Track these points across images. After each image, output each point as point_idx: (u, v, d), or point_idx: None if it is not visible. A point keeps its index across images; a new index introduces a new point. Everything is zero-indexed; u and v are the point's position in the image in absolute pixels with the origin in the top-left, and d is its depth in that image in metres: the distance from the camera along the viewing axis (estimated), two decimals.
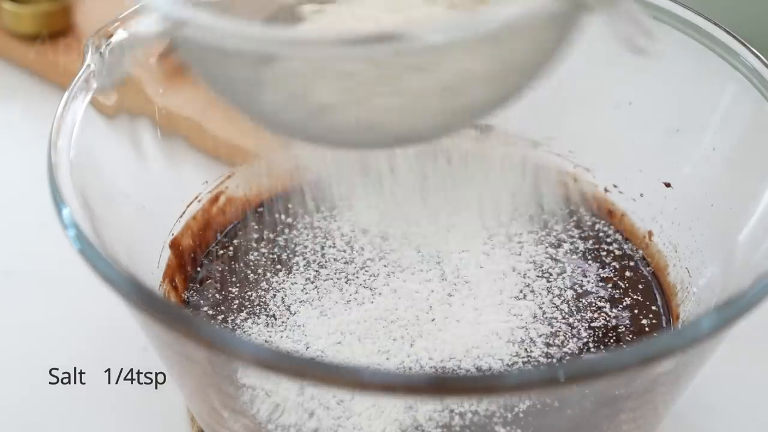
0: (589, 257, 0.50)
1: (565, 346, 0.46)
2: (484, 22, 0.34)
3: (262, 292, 0.48)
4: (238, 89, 0.37)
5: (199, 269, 0.50)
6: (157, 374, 0.46)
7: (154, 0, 0.35)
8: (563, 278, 0.49)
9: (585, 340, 0.46)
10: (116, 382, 0.48)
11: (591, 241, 0.51)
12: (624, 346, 0.46)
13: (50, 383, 0.48)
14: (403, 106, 0.35)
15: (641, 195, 0.52)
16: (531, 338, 0.46)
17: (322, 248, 0.50)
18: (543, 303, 0.47)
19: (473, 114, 0.38)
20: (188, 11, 0.35)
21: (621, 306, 0.48)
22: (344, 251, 0.50)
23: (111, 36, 0.46)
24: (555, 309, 0.47)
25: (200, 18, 0.35)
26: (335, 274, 0.49)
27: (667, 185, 0.50)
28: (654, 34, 0.33)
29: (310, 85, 0.35)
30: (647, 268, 0.50)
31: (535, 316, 0.47)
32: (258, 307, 0.47)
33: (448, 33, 0.34)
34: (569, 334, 0.46)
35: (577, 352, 0.45)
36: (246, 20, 0.38)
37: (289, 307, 0.47)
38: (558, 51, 0.37)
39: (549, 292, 0.48)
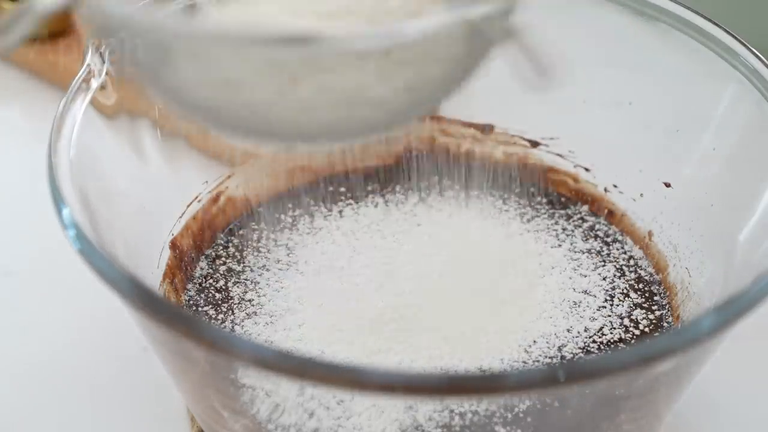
0: (589, 257, 0.50)
1: (565, 347, 0.46)
2: (391, 34, 0.35)
3: (262, 292, 0.48)
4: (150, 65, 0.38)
5: (199, 269, 0.50)
6: (157, 374, 0.46)
7: None
8: (563, 278, 0.49)
9: (585, 340, 0.46)
10: (116, 382, 0.48)
11: (591, 241, 0.51)
12: (624, 346, 0.46)
13: (50, 383, 0.48)
14: (303, 107, 0.36)
15: (641, 195, 0.52)
16: (531, 338, 0.46)
17: (323, 248, 0.50)
18: (543, 303, 0.47)
19: (369, 127, 0.39)
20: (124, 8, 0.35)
21: (621, 306, 0.48)
22: (345, 251, 0.50)
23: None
24: (555, 308, 0.47)
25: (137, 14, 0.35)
26: (335, 273, 0.49)
27: (667, 185, 0.50)
28: (550, 70, 0.34)
29: (215, 69, 0.36)
30: (647, 268, 0.50)
31: (534, 316, 0.47)
32: (258, 307, 0.47)
33: (363, 41, 0.34)
34: (569, 334, 0.46)
35: (577, 352, 0.45)
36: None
37: (290, 306, 0.47)
38: (461, 73, 0.38)
39: (548, 291, 0.48)
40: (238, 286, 0.48)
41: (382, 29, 0.34)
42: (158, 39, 0.35)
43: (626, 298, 0.48)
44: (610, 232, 0.52)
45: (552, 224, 0.52)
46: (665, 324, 0.47)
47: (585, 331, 0.46)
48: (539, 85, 0.34)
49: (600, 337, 0.46)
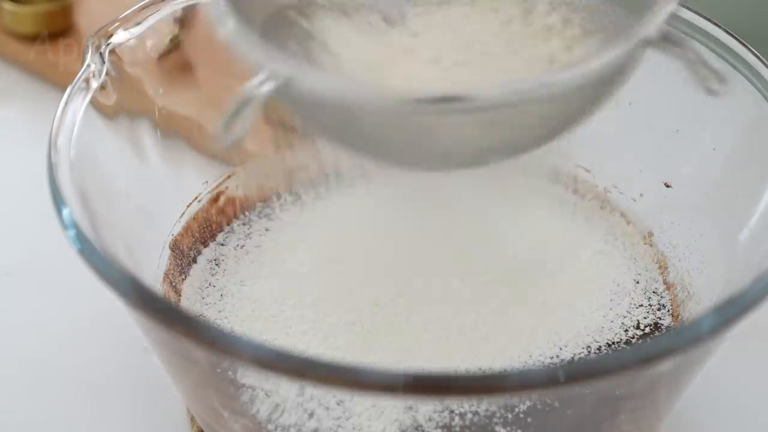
0: (588, 257, 0.50)
1: (565, 347, 0.46)
2: (549, 83, 0.35)
3: (263, 292, 0.48)
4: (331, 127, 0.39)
5: (199, 269, 0.49)
6: (157, 374, 0.46)
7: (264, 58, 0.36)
8: (562, 278, 0.49)
9: (585, 340, 0.46)
10: (116, 382, 0.48)
11: (590, 241, 0.51)
12: (624, 346, 0.46)
13: (50, 383, 0.48)
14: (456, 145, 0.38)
15: (641, 195, 0.52)
16: (530, 338, 0.46)
17: (323, 245, 0.50)
18: (542, 303, 0.47)
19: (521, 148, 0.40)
20: (290, 66, 0.36)
21: (621, 306, 0.48)
22: (345, 250, 0.50)
23: (111, 36, 0.46)
24: (554, 309, 0.47)
25: (303, 72, 0.36)
26: (335, 271, 0.48)
27: (667, 185, 0.50)
28: (724, 76, 0.34)
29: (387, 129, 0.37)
30: (647, 268, 0.50)
31: (533, 316, 0.46)
32: (258, 307, 0.47)
33: (513, 94, 0.35)
34: (569, 334, 0.46)
35: (577, 352, 0.45)
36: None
37: (290, 306, 0.47)
38: (618, 86, 0.39)
39: (546, 293, 0.48)
40: (238, 287, 0.48)
41: (540, 78, 0.35)
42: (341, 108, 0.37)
43: (626, 298, 0.48)
44: (610, 231, 0.52)
45: (552, 224, 0.52)
46: (665, 324, 0.47)
47: (585, 330, 0.46)
48: (719, 88, 0.34)
49: (600, 337, 0.46)
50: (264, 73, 0.36)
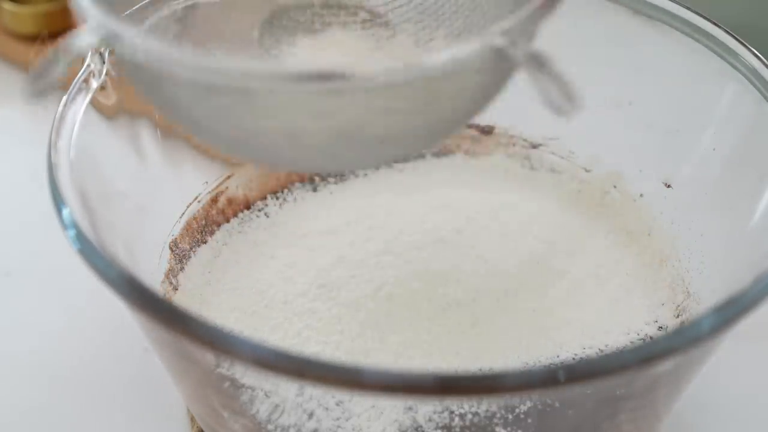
0: (588, 257, 0.50)
1: (565, 347, 0.46)
2: (416, 66, 0.35)
3: (263, 293, 0.48)
4: (179, 106, 0.38)
5: (199, 269, 0.49)
6: (157, 374, 0.46)
7: (85, 9, 0.36)
8: (562, 278, 0.49)
9: (585, 340, 0.46)
10: (116, 382, 0.48)
11: (590, 241, 0.51)
12: (624, 346, 0.46)
13: (50, 383, 0.48)
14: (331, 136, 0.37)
15: (641, 195, 0.52)
16: (529, 338, 0.46)
17: (322, 246, 0.50)
18: (541, 303, 0.47)
19: (397, 149, 0.40)
20: (122, 26, 0.36)
21: (621, 306, 0.48)
22: (344, 248, 0.50)
23: None
24: (553, 309, 0.47)
25: (132, 36, 0.36)
26: (335, 270, 0.48)
27: (667, 185, 0.50)
28: (574, 96, 0.34)
29: (248, 110, 0.37)
30: (647, 268, 0.50)
31: (532, 316, 0.46)
32: (258, 306, 0.47)
33: (385, 74, 0.35)
34: (569, 334, 0.46)
35: (577, 352, 0.45)
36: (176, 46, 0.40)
37: (290, 305, 0.47)
38: (486, 98, 0.39)
39: (547, 292, 0.48)
40: (238, 287, 0.48)
41: (406, 62, 0.35)
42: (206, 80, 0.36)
43: (626, 298, 0.48)
44: (610, 232, 0.52)
45: (551, 225, 0.52)
46: (665, 324, 0.47)
47: (585, 331, 0.46)
48: (567, 110, 0.34)
49: (600, 338, 0.46)
50: (80, 30, 0.36)
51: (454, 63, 0.35)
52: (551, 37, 0.37)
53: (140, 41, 0.36)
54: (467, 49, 0.35)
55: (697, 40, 0.48)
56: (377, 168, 0.54)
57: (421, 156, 0.55)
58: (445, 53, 0.35)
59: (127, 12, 0.44)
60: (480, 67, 0.36)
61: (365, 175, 0.54)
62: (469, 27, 0.43)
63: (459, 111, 0.39)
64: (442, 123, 0.39)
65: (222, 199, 0.52)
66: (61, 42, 0.36)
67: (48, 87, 0.37)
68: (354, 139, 0.37)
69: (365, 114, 0.36)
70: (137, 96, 0.40)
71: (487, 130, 0.55)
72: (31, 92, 0.37)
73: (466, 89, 0.38)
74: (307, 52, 0.42)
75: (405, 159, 0.55)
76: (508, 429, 0.41)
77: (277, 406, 0.41)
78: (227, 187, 0.52)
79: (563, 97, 0.35)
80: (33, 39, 0.64)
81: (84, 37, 0.36)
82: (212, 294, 0.48)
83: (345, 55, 0.42)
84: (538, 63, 0.35)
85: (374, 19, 0.44)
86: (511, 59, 0.36)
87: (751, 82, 0.46)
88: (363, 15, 0.44)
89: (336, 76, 0.35)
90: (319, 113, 0.36)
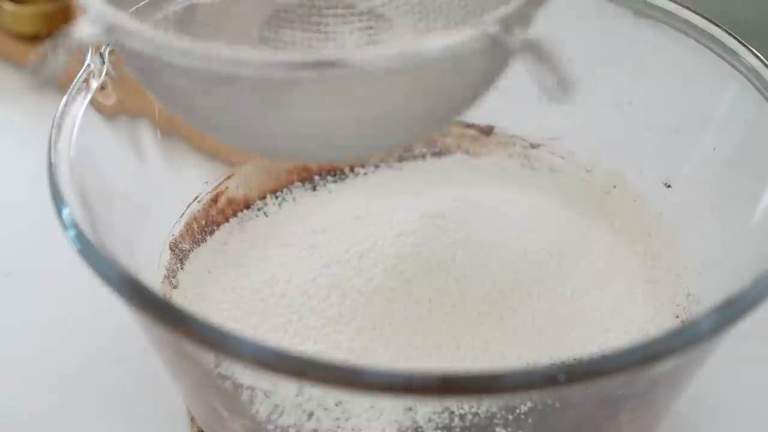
0: (588, 258, 0.50)
1: (564, 347, 0.46)
2: (410, 54, 0.35)
3: (262, 292, 0.48)
4: (177, 96, 0.39)
5: (199, 269, 0.49)
6: (157, 374, 0.46)
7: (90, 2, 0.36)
8: (562, 279, 0.49)
9: (585, 340, 0.46)
10: (116, 382, 0.48)
11: (590, 242, 0.51)
12: (624, 346, 0.46)
13: (50, 383, 0.48)
14: (329, 124, 0.37)
15: (641, 195, 0.52)
16: (531, 339, 0.46)
17: (322, 245, 0.50)
18: (541, 303, 0.47)
19: (395, 137, 0.40)
20: (121, 16, 0.36)
21: (620, 306, 0.48)
22: (344, 248, 0.49)
23: None
24: (553, 308, 0.47)
25: (131, 25, 0.36)
26: (335, 269, 0.48)
27: (667, 185, 0.50)
28: (570, 83, 0.34)
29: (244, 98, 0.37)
30: (647, 268, 0.50)
31: (531, 316, 0.46)
32: (258, 304, 0.47)
33: (383, 61, 0.35)
34: (569, 334, 0.46)
35: (576, 352, 0.45)
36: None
37: (290, 305, 0.47)
38: (481, 86, 0.39)
39: (546, 292, 0.48)
40: (238, 287, 0.48)
41: (401, 49, 0.35)
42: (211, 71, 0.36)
43: (626, 299, 0.48)
44: (610, 232, 0.52)
45: (551, 225, 0.52)
46: (665, 324, 0.47)
47: (585, 332, 0.46)
48: (561, 96, 0.34)
49: (600, 338, 0.46)
50: (85, 20, 0.37)
51: (448, 50, 0.35)
52: (551, 37, 0.37)
53: (146, 31, 0.36)
54: (462, 36, 0.35)
55: (697, 40, 0.48)
56: (377, 166, 0.54)
57: (421, 156, 0.55)
58: (439, 40, 0.35)
59: (127, 12, 0.44)
60: (475, 54, 0.36)
61: (365, 174, 0.54)
62: (467, 18, 0.43)
63: (456, 99, 0.39)
64: (438, 111, 0.39)
65: (222, 199, 0.52)
66: (61, 33, 0.36)
67: (48, 79, 0.37)
68: (353, 126, 0.37)
69: (362, 102, 0.36)
70: (143, 90, 0.40)
71: (487, 130, 0.55)
72: (31, 84, 0.37)
73: (463, 77, 0.38)
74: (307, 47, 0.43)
75: (403, 149, 0.55)
76: (509, 429, 0.41)
77: (276, 406, 0.41)
78: (227, 187, 0.52)
79: (559, 84, 0.35)
80: (33, 39, 0.64)
81: (84, 28, 0.36)
82: (212, 294, 0.48)
83: (343, 47, 0.42)
84: (534, 50, 0.35)
85: (372, 12, 0.44)
86: (506, 46, 0.36)
87: (751, 82, 0.46)
88: (361, 8, 0.44)
89: (334, 63, 0.35)
90: (318, 102, 0.36)
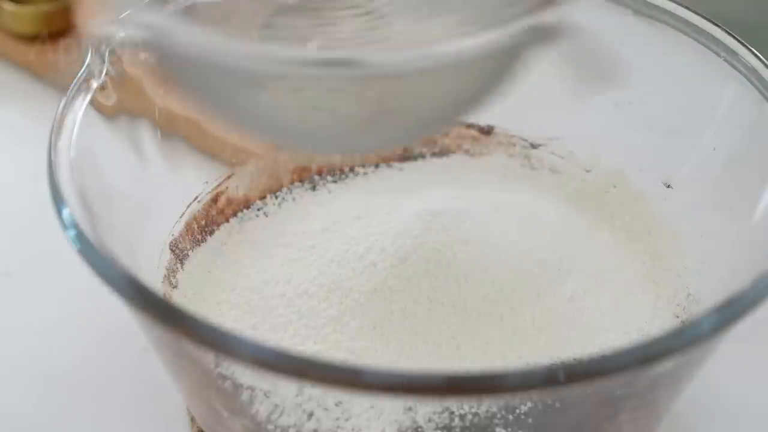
0: (588, 258, 0.50)
1: (564, 347, 0.46)
2: (436, 54, 0.36)
3: (262, 292, 0.48)
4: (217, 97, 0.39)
5: (199, 269, 0.49)
6: (157, 374, 0.46)
7: (135, 11, 0.37)
8: (562, 279, 0.49)
9: (584, 340, 0.46)
10: (116, 383, 0.48)
11: (590, 242, 0.51)
12: (624, 346, 0.46)
13: (49, 383, 0.48)
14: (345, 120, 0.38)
15: (641, 195, 0.52)
16: (530, 338, 0.46)
17: (322, 245, 0.50)
18: (541, 303, 0.47)
19: (395, 139, 0.42)
20: (165, 20, 0.36)
21: (620, 306, 0.48)
22: (344, 248, 0.49)
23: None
24: (553, 308, 0.47)
25: (175, 28, 0.36)
26: (335, 269, 0.48)
27: (667, 185, 0.50)
28: (608, 71, 0.34)
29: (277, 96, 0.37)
30: (646, 268, 0.50)
31: (531, 316, 0.46)
32: (257, 303, 0.47)
33: (404, 62, 0.36)
34: (568, 334, 0.46)
35: (576, 352, 0.45)
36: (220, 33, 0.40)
37: (289, 305, 0.47)
38: (492, 86, 0.39)
39: (546, 292, 0.48)
40: (239, 287, 0.48)
41: (422, 51, 0.35)
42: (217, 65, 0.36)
43: (626, 299, 0.48)
44: (610, 232, 0.52)
45: (550, 225, 0.52)
46: (665, 325, 0.47)
47: (585, 330, 0.46)
48: (597, 86, 0.34)
49: (600, 338, 0.46)
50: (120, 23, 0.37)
51: (492, 43, 0.35)
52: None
53: (190, 33, 0.36)
54: (509, 29, 0.35)
55: (697, 40, 0.48)
56: (377, 166, 0.54)
57: (421, 156, 0.56)
58: (482, 37, 0.35)
59: (127, 12, 0.44)
60: (488, 54, 0.36)
61: (365, 174, 0.54)
62: (466, 15, 0.43)
63: (464, 99, 0.39)
64: (444, 110, 0.39)
65: (222, 199, 0.52)
66: (91, 37, 0.37)
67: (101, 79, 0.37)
68: (365, 122, 0.38)
69: (376, 99, 0.36)
70: (143, 90, 0.41)
71: (487, 130, 0.55)
72: (62, 87, 0.37)
73: (475, 76, 0.38)
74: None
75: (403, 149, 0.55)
76: (509, 429, 0.41)
77: (276, 406, 0.41)
78: (227, 187, 0.52)
79: (594, 72, 0.34)
80: (33, 39, 0.64)
81: (122, 31, 0.37)
82: (212, 294, 0.48)
83: (351, 46, 0.42)
84: (580, 35, 0.35)
85: (374, 10, 0.44)
86: (555, 32, 0.35)
87: (751, 82, 0.46)
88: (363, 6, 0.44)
89: (354, 63, 0.35)
90: (335, 98, 0.36)
